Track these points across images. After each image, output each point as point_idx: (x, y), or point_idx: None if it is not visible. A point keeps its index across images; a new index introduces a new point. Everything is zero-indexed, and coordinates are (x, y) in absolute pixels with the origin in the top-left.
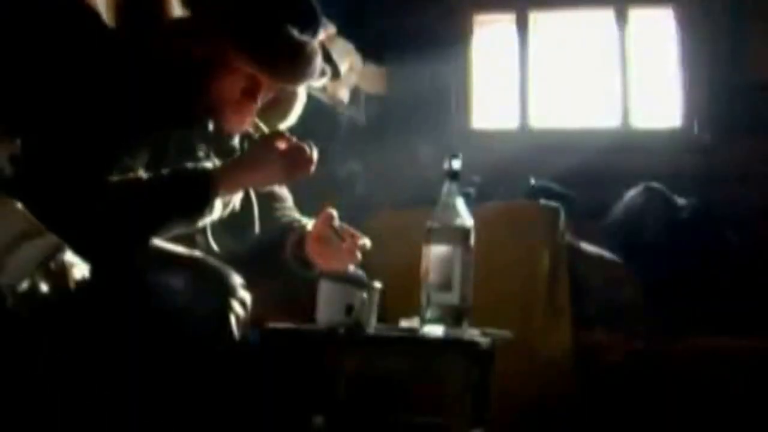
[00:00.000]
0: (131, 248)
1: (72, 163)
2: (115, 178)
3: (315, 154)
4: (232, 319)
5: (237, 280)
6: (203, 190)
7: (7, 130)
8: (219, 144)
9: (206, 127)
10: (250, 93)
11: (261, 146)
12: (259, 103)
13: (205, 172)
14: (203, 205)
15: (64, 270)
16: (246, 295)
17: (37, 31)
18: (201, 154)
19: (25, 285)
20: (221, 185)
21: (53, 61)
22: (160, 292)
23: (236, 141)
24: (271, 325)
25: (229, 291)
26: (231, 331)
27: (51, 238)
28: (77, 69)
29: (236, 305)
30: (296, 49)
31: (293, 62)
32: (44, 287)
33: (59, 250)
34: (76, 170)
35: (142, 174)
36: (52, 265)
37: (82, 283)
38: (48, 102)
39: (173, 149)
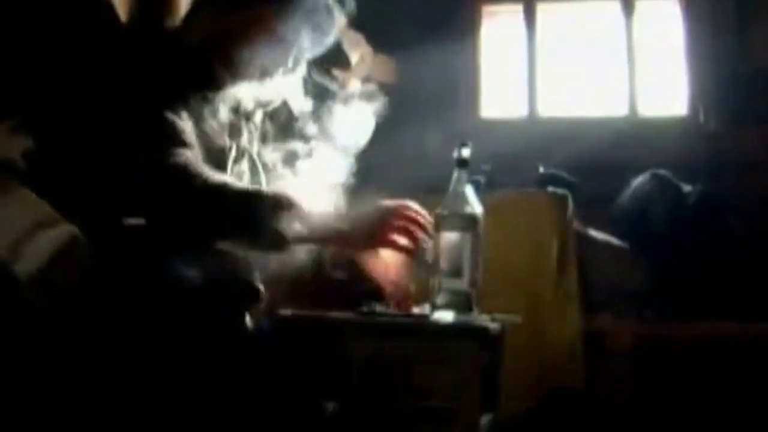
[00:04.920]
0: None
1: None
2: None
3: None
4: (245, 308)
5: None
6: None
7: (20, 124)
8: (238, 121)
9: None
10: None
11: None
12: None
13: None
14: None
15: (79, 258)
16: (259, 284)
17: (50, 25)
18: (216, 128)
19: (40, 273)
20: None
21: (66, 54)
22: (174, 281)
23: (258, 118)
24: (283, 312)
25: (243, 280)
26: (244, 319)
27: (67, 228)
28: (90, 62)
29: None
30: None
31: (320, 16)
32: (60, 276)
33: (75, 239)
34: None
35: (226, 180)
36: (68, 253)
37: (97, 272)
38: (63, 95)
39: (191, 124)
